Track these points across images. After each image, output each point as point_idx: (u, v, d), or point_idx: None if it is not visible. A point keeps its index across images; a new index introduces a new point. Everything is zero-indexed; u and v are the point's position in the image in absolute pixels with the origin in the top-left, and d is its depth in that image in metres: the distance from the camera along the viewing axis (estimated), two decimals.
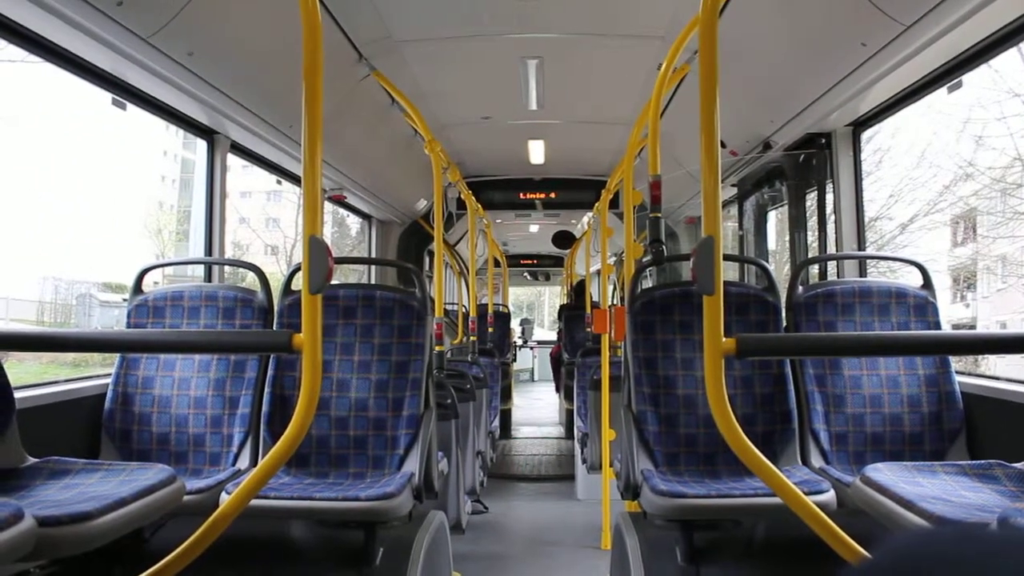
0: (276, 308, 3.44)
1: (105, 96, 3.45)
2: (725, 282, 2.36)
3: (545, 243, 11.42)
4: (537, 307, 29.83)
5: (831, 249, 4.60)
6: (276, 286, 3.54)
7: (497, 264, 10.42)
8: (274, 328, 3.41)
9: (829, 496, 2.65)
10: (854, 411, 3.24)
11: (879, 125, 4.29)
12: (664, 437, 3.25)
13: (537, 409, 12.58)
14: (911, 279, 3.53)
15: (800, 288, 3.44)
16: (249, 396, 3.32)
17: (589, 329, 7.61)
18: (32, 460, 2.42)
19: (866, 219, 4.56)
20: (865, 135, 4.45)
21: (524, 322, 17.59)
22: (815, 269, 4.69)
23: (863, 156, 4.47)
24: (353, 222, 9.44)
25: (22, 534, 1.65)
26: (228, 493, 2.69)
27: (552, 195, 8.19)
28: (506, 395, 9.34)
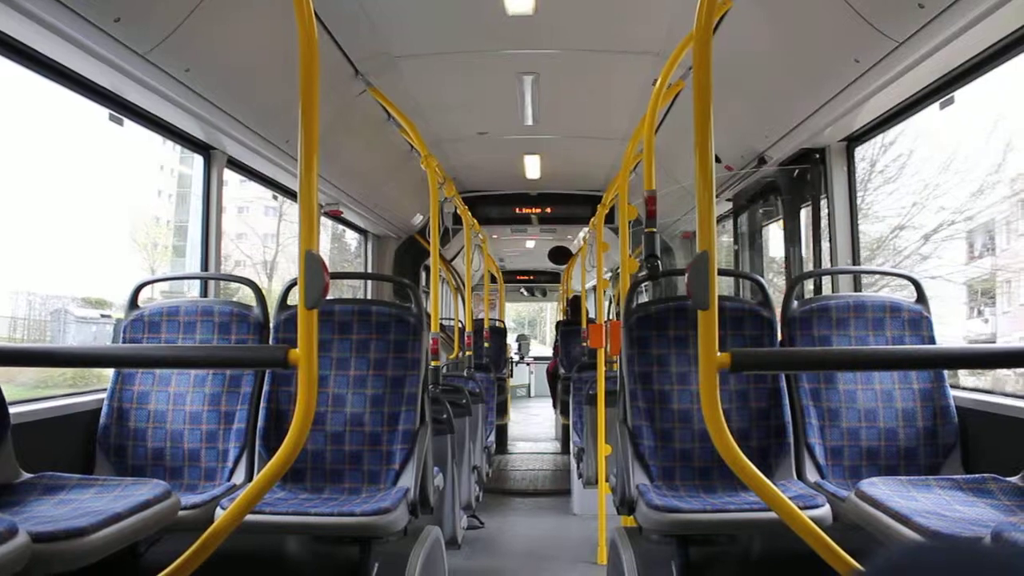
0: (272, 323, 3.44)
1: (98, 109, 3.45)
2: (720, 297, 2.37)
3: (541, 259, 11.43)
4: (539, 323, 29.83)
5: (826, 263, 4.62)
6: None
7: (493, 280, 10.43)
8: (270, 343, 3.41)
9: (824, 511, 2.65)
10: (849, 425, 3.24)
11: (903, 127, 4.24)
12: (660, 452, 3.24)
13: (534, 425, 12.55)
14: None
15: (795, 303, 3.45)
16: (245, 411, 3.31)
17: (585, 344, 7.62)
18: (26, 476, 2.41)
19: (889, 229, 4.53)
20: (887, 140, 4.42)
21: (520, 338, 17.57)
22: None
23: (884, 164, 4.45)
24: (351, 238, 9.45)
25: (16, 550, 1.64)
26: (223, 508, 2.68)
27: (548, 210, 8.21)
28: (502, 410, 9.32)
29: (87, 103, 3.31)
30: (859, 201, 4.37)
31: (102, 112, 3.46)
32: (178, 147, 4.10)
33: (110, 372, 3.37)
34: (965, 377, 4.30)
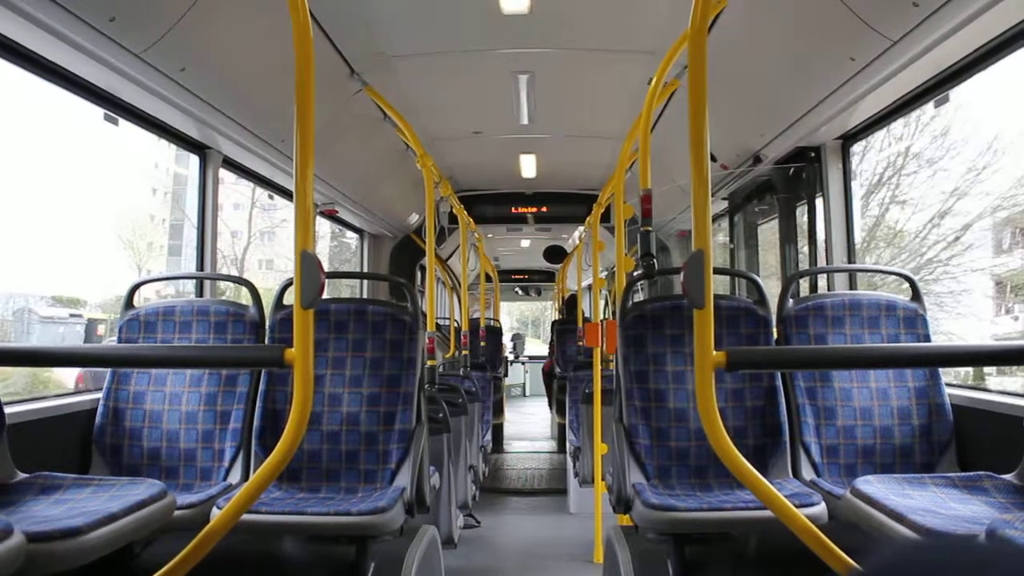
0: (268, 323, 3.44)
1: (89, 107, 3.42)
2: (716, 295, 2.37)
3: (536, 258, 11.44)
4: (541, 323, 29.88)
5: (821, 262, 4.62)
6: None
7: (489, 279, 10.44)
8: (266, 343, 3.41)
9: (820, 509, 2.65)
10: (845, 424, 3.25)
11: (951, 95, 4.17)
12: (656, 450, 3.25)
13: (529, 424, 12.55)
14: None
15: (790, 301, 3.46)
16: (240, 411, 3.31)
17: (581, 343, 7.62)
18: (22, 475, 2.41)
19: (928, 214, 4.44)
20: (923, 119, 4.36)
21: (515, 337, 17.57)
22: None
23: (922, 144, 4.37)
24: (351, 238, 9.44)
25: (11, 550, 1.64)
26: (219, 508, 2.68)
27: (544, 209, 8.22)
28: (498, 409, 9.33)
29: (75, 100, 3.28)
30: (893, 187, 4.25)
31: (96, 111, 3.44)
32: (173, 145, 4.09)
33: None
34: (992, 378, 4.26)
